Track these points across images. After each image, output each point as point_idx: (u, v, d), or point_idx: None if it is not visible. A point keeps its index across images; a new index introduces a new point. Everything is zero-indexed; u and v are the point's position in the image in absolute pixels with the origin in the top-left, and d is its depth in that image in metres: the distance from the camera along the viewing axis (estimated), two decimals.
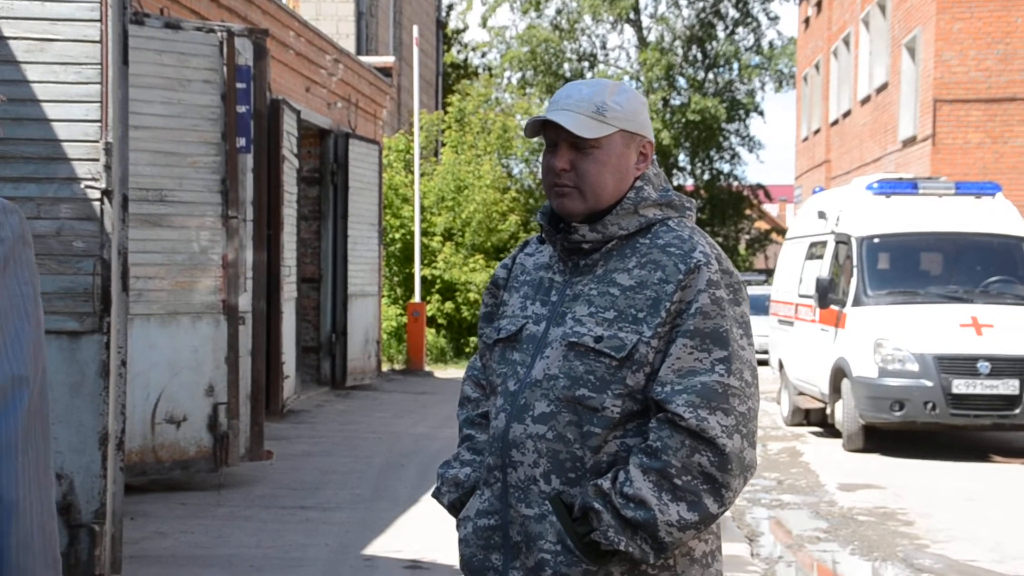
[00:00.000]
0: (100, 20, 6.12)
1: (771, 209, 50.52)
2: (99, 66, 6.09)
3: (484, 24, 40.36)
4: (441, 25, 31.94)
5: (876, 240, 13.19)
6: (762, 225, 45.36)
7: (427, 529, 7.80)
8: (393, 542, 7.57)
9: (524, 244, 2.93)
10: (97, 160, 6.09)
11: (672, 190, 2.78)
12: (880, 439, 12.48)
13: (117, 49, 6.15)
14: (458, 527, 2.78)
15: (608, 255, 2.69)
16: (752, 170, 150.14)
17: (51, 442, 1.96)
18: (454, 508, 2.82)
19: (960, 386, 11.82)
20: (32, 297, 1.92)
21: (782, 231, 40.15)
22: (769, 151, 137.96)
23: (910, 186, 13.78)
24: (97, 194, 6.10)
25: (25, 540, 1.86)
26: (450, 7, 40.37)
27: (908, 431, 12.46)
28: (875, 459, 12.06)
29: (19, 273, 1.92)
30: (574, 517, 2.57)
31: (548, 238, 2.76)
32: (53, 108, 6.09)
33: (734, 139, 40.80)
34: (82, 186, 6.10)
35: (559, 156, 2.69)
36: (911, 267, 13.40)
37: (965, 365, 11.87)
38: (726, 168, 40.80)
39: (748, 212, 41.61)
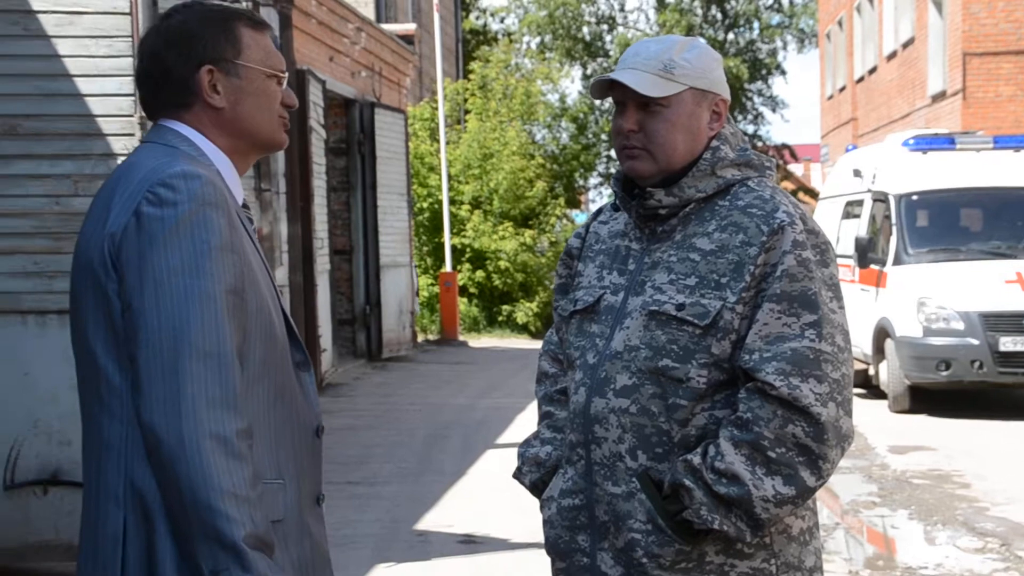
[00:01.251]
0: None
1: (796, 169, 50.15)
2: (130, 39, 5.98)
3: None
4: None
5: (915, 197, 12.98)
6: (788, 185, 45.01)
7: (477, 502, 7.71)
8: (444, 516, 7.49)
9: (597, 212, 2.81)
10: (132, 135, 5.99)
11: (751, 149, 2.64)
12: (926, 399, 12.29)
13: (148, 20, 6.02)
14: (542, 508, 2.67)
15: (686, 219, 2.56)
16: (776, 130, 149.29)
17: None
18: (536, 488, 2.71)
19: (1007, 343, 11.61)
20: (207, 254, 2.04)
21: (809, 191, 39.86)
22: (792, 110, 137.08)
23: (947, 141, 13.55)
24: None
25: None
26: None
27: (955, 391, 12.27)
28: (923, 420, 11.88)
29: (196, 233, 2.05)
30: (664, 495, 2.46)
31: (622, 204, 2.64)
32: (85, 83, 5.98)
33: (757, 99, 40.45)
34: (119, 161, 5.99)
35: (626, 117, 2.56)
36: (952, 224, 13.17)
37: (1012, 322, 11.66)
38: (750, 129, 40.48)
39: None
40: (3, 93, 6.00)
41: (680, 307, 2.48)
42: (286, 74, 2.33)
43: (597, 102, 31.34)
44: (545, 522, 2.64)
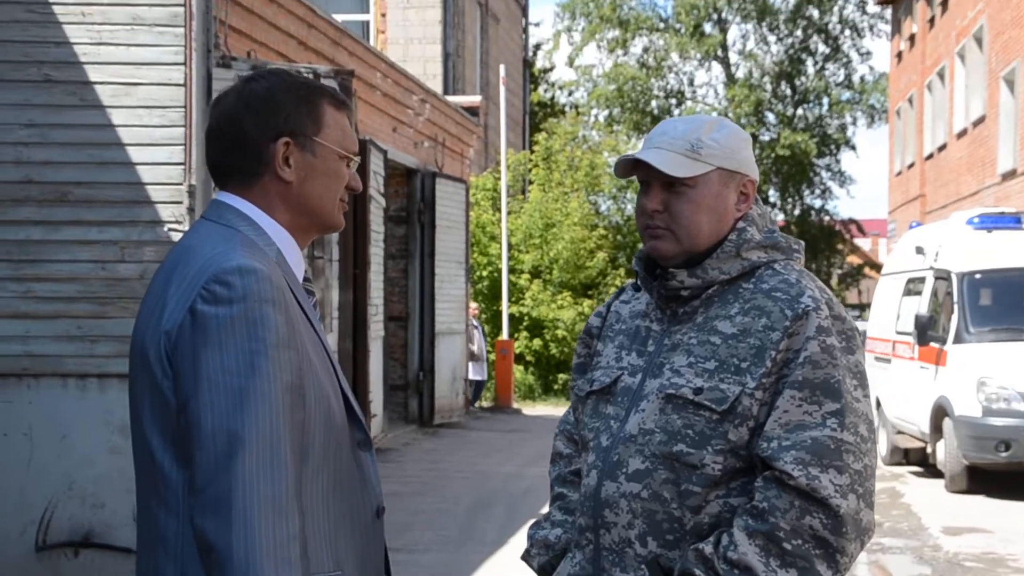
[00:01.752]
0: (184, 63, 6.08)
1: (863, 243, 49.75)
2: (183, 109, 6.05)
3: (571, 63, 40.34)
4: (528, 64, 31.93)
5: (978, 276, 12.79)
6: (854, 260, 44.64)
7: (515, 572, 7.60)
8: None
9: (620, 291, 2.75)
10: (180, 203, 6.04)
11: (778, 231, 2.57)
12: (984, 480, 12.01)
13: (201, 91, 6.10)
14: None
15: (709, 302, 2.49)
16: (843, 204, 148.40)
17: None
18: (544, 572, 2.65)
19: None
20: (263, 352, 1.99)
21: (875, 265, 39.47)
22: (861, 186, 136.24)
23: (1013, 220, 13.36)
24: (180, 237, 6.04)
25: None
26: (537, 47, 40.41)
27: (1014, 472, 11.98)
28: (980, 501, 11.60)
29: (252, 332, 2.00)
30: None
31: (644, 285, 2.58)
32: (137, 151, 6.06)
33: (825, 174, 40.30)
34: (165, 229, 6.05)
35: (651, 196, 2.51)
36: (1015, 303, 12.92)
37: None
38: (817, 203, 40.28)
39: (840, 247, 40.94)
40: (57, 161, 6.09)
41: (698, 391, 2.40)
42: (358, 158, 2.28)
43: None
44: None
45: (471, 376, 19.75)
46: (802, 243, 2.64)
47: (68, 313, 6.00)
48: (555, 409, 21.10)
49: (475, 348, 19.58)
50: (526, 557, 2.69)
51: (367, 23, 21.02)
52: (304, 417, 2.06)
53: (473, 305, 20.43)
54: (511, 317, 21.40)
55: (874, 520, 2.39)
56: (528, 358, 22.53)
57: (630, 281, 2.77)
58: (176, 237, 6.05)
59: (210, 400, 1.97)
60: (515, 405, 20.44)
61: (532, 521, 2.72)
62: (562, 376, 22.51)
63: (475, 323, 20.05)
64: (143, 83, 6.07)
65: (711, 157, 2.48)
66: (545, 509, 8.88)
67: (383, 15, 21.18)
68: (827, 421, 2.34)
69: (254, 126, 2.16)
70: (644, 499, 2.41)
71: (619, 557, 2.43)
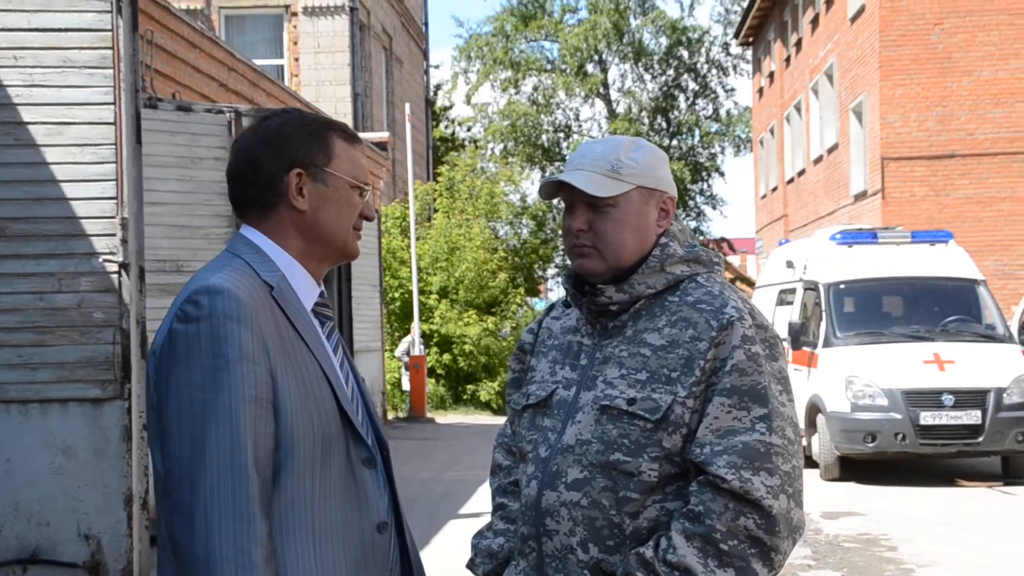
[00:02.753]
0: (114, 103, 5.81)
1: (733, 260, 50.40)
2: (114, 146, 5.79)
3: (468, 101, 40.35)
4: (430, 103, 31.77)
5: (842, 286, 12.95)
6: (727, 275, 45.17)
7: (440, 571, 7.38)
8: None
9: (550, 308, 2.59)
10: (114, 235, 5.77)
11: (699, 245, 2.43)
12: (855, 469, 12.13)
13: (130, 129, 5.84)
14: None
15: (637, 315, 2.35)
16: (716, 225, 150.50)
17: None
18: None
19: (927, 418, 11.52)
20: (224, 368, 1.94)
21: (745, 279, 39.95)
22: (730, 207, 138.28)
23: (870, 236, 13.55)
24: (115, 267, 5.77)
25: None
26: (438, 87, 40.30)
27: (880, 460, 12.10)
28: (852, 487, 11.69)
29: (215, 348, 1.95)
30: None
31: (574, 301, 2.42)
32: (71, 187, 5.78)
33: (699, 198, 40.77)
34: (100, 260, 5.78)
35: (576, 217, 2.36)
36: (875, 310, 13.14)
37: (931, 398, 11.58)
38: (692, 224, 40.69)
39: None
40: None
41: (631, 401, 2.27)
42: (369, 187, 2.22)
43: (554, 201, 31.49)
44: None
45: (405, 387, 19.91)
46: (722, 256, 2.52)
47: (9, 343, 5.70)
48: (465, 417, 20.92)
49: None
50: (471, 566, 2.52)
51: (282, 67, 20.70)
52: (276, 429, 1.99)
53: (415, 324, 20.44)
54: (423, 334, 21.21)
55: (803, 518, 2.27)
56: (439, 371, 22.39)
57: (560, 297, 2.63)
58: (111, 267, 5.78)
59: (177, 411, 1.95)
60: (428, 415, 20.23)
61: (474, 532, 2.55)
62: (470, 387, 22.41)
63: (417, 339, 20.20)
64: (75, 122, 5.79)
65: (631, 176, 2.34)
66: (463, 510, 8.66)
67: (296, 59, 20.89)
68: (756, 426, 2.22)
69: (269, 160, 2.12)
70: (584, 507, 2.27)
71: (562, 564, 2.29)
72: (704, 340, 2.25)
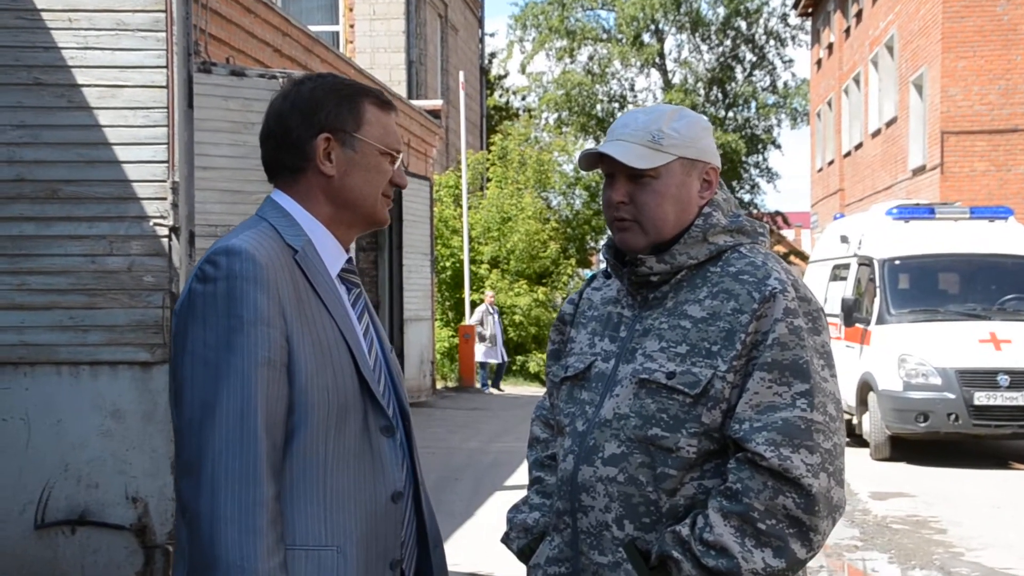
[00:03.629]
0: (166, 67, 5.82)
1: (788, 234, 49.93)
2: (166, 110, 5.80)
3: (523, 70, 40.18)
4: (484, 72, 31.66)
5: (897, 262, 12.74)
6: (780, 249, 44.79)
7: (483, 542, 7.41)
8: (450, 555, 7.16)
9: (591, 279, 2.54)
10: (165, 199, 5.79)
11: (743, 215, 2.37)
12: (906, 449, 11.97)
13: (182, 93, 5.85)
14: (528, 575, 2.40)
15: (678, 286, 2.30)
16: (770, 199, 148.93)
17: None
18: (523, 555, 2.44)
19: (981, 398, 11.33)
20: (239, 329, 1.93)
21: (799, 254, 39.60)
22: (785, 181, 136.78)
23: (927, 211, 13.31)
24: (165, 231, 5.81)
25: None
26: (492, 55, 40.15)
27: (932, 441, 11.94)
28: (902, 468, 11.54)
29: (230, 309, 1.94)
30: (651, 565, 2.18)
31: (614, 272, 2.37)
32: (123, 150, 5.80)
33: (754, 171, 40.39)
34: (151, 224, 5.81)
35: (616, 189, 2.30)
36: (930, 287, 12.91)
37: (985, 378, 11.38)
38: (746, 197, 40.34)
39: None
40: (48, 160, 5.83)
41: (670, 375, 2.22)
42: (400, 154, 2.19)
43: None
44: None
45: (479, 358, 19.80)
46: (767, 226, 2.46)
47: (60, 304, 5.76)
48: (513, 388, 20.93)
49: (486, 332, 19.58)
50: (506, 540, 2.49)
51: (336, 34, 20.70)
52: (290, 393, 1.97)
53: (490, 293, 20.43)
54: (472, 304, 21.23)
55: (844, 497, 2.21)
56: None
57: (601, 267, 2.58)
58: (161, 231, 5.82)
59: (191, 371, 1.94)
60: (477, 385, 20.25)
61: (511, 505, 2.53)
62: (520, 358, 22.40)
63: (492, 309, 20.17)
64: (127, 85, 5.81)
65: (672, 147, 2.28)
66: (509, 481, 8.65)
67: (351, 26, 20.88)
68: (797, 402, 2.17)
69: (298, 124, 2.11)
70: (620, 483, 2.23)
71: (597, 540, 2.25)
72: (746, 312, 2.20)
